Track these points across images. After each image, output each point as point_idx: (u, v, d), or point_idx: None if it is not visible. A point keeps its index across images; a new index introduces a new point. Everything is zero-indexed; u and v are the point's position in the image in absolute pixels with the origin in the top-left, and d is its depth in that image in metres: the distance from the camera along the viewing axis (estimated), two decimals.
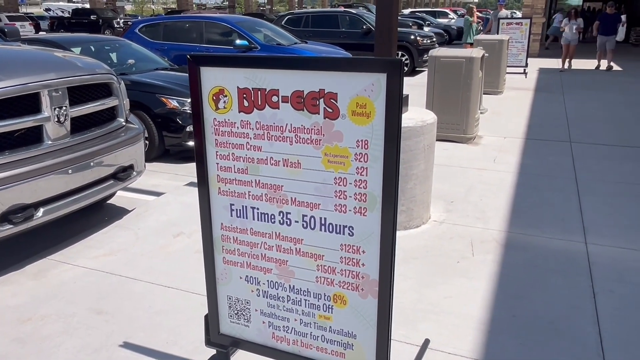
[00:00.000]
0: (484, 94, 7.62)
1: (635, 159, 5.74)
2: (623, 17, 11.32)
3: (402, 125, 3.58)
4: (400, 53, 13.20)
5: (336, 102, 1.59)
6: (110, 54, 6.90)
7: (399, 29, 13.81)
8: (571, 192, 4.70)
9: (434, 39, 14.39)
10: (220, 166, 1.85)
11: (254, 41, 9.33)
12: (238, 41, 9.17)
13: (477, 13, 15.12)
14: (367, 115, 1.57)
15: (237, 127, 1.76)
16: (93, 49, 6.66)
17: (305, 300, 1.88)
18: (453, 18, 27.96)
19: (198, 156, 1.86)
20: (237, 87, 1.71)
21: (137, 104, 5.65)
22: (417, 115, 3.85)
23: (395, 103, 1.52)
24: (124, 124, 4.16)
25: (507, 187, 4.84)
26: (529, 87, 10.81)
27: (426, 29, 19.05)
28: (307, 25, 14.10)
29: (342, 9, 16.80)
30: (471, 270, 3.32)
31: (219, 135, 1.80)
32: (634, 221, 4.05)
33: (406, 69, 13.31)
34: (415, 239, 3.77)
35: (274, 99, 1.67)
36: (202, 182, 1.89)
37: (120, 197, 4.70)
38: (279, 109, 1.68)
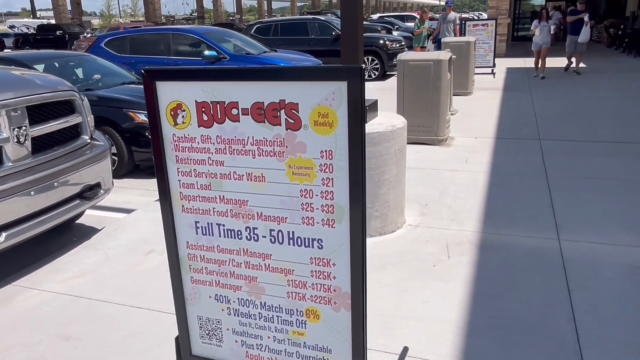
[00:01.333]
0: (453, 95, 7.69)
1: (604, 154, 5.84)
2: (586, 17, 11.45)
3: (372, 131, 3.59)
4: (370, 58, 13.28)
5: (297, 112, 1.55)
6: (75, 69, 6.74)
7: (368, 34, 13.93)
8: (542, 190, 4.74)
9: (403, 43, 14.51)
10: (182, 183, 1.79)
11: (222, 51, 9.26)
12: (207, 52, 9.10)
13: (429, 14, 15.22)
14: (330, 124, 1.53)
15: (198, 142, 1.70)
16: (57, 66, 6.50)
17: (278, 316, 1.83)
18: None
19: (159, 174, 1.79)
20: (195, 101, 1.66)
21: (105, 120, 5.54)
22: (386, 120, 3.84)
23: (358, 111, 1.48)
24: (88, 141, 4.05)
25: (479, 188, 4.86)
26: (498, 87, 10.97)
27: (395, 33, 19.21)
28: (277, 33, 14.08)
29: (311, 17, 16.79)
30: (448, 273, 3.31)
31: (179, 151, 1.74)
32: (605, 216, 4.10)
33: (377, 73, 13.39)
34: (390, 244, 3.74)
35: (234, 111, 1.62)
36: (165, 201, 1.83)
37: (90, 216, 4.57)
38: (239, 121, 1.63)
